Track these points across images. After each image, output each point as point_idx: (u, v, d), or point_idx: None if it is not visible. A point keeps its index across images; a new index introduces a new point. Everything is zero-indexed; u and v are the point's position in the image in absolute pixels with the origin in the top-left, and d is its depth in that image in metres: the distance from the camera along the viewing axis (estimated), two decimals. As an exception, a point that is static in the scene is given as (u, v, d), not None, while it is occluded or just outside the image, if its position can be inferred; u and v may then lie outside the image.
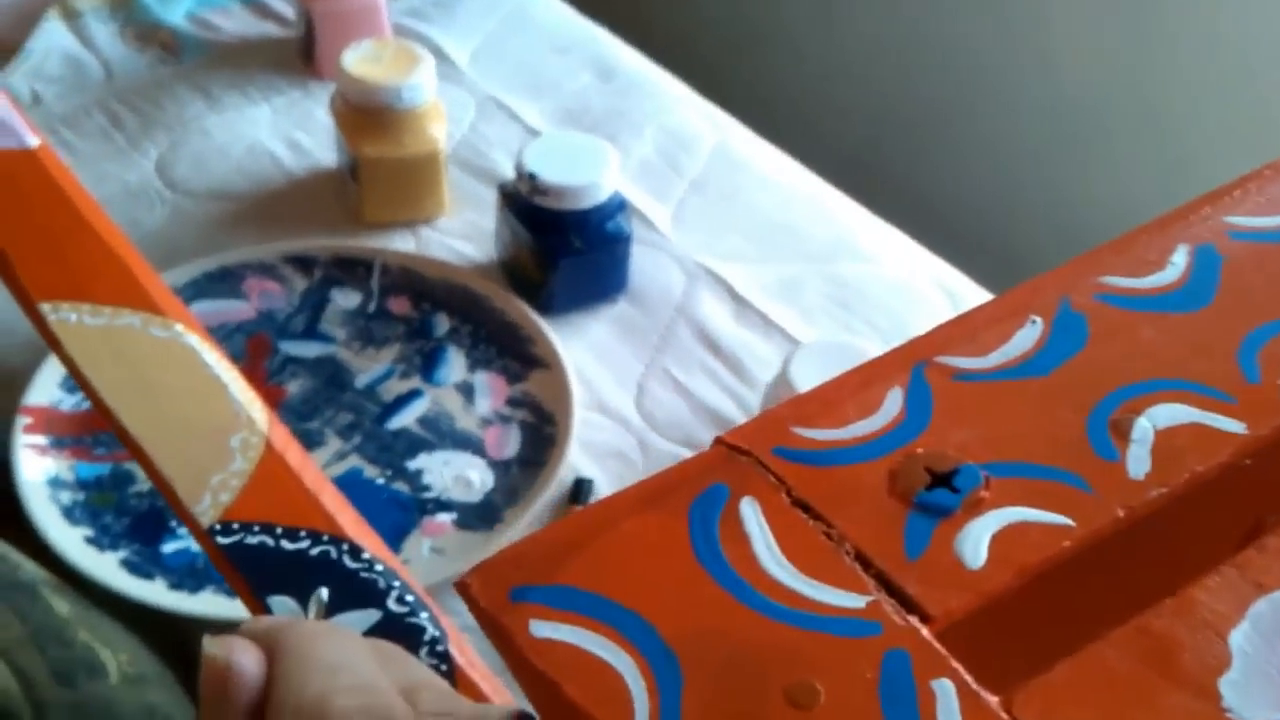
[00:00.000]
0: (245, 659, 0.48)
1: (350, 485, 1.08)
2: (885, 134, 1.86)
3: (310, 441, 1.10)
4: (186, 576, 1.01)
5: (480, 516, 1.07)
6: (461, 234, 1.29)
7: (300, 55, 1.51)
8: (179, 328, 0.75)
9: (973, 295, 1.28)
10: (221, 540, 0.67)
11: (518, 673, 0.41)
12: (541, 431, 1.12)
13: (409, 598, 0.66)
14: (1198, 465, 0.43)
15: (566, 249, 1.21)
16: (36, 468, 1.04)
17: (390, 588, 0.66)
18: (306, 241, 1.24)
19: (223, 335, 1.16)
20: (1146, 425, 0.44)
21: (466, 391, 1.16)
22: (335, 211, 1.30)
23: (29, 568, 0.92)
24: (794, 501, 0.42)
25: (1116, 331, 0.48)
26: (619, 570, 0.41)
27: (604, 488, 1.10)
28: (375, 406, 1.14)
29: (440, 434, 1.12)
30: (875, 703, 0.38)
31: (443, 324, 1.22)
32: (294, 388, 1.13)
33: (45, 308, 0.75)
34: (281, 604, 0.65)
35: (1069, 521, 0.41)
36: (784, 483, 0.43)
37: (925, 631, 0.39)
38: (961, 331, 0.49)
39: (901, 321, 1.25)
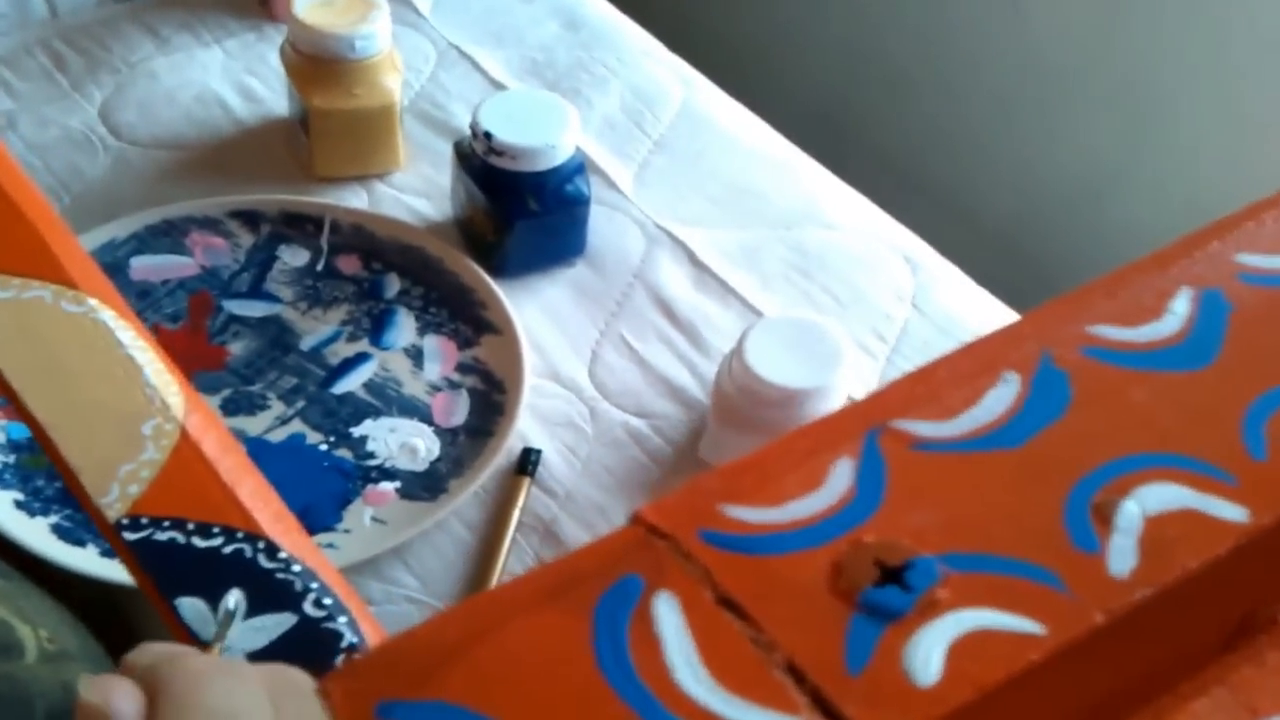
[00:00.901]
0: (124, 705, 0.44)
1: (292, 452, 1.07)
2: (857, 93, 1.83)
3: (253, 405, 1.08)
4: (120, 544, 0.95)
5: (425, 486, 1.05)
6: (417, 190, 1.25)
7: (255, -5, 1.44)
8: (92, 303, 0.71)
9: (935, 266, 1.28)
10: (128, 536, 0.64)
11: None
12: (490, 399, 1.11)
13: (327, 601, 0.63)
14: (1190, 561, 0.37)
15: (522, 211, 1.18)
16: None
17: (308, 590, 0.63)
18: (254, 196, 1.22)
19: (165, 292, 1.13)
20: (1134, 510, 0.39)
21: (415, 356, 1.14)
22: (286, 164, 1.27)
23: None
24: (719, 599, 0.37)
25: (1103, 394, 0.43)
26: (506, 682, 0.36)
27: (552, 457, 1.10)
28: (321, 370, 1.12)
29: (387, 400, 1.10)
30: None
31: (393, 285, 1.19)
32: (237, 348, 1.10)
33: None
34: (191, 606, 0.62)
35: (1039, 628, 0.36)
36: (709, 575, 0.38)
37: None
38: (925, 390, 0.44)
39: (861, 292, 1.24)
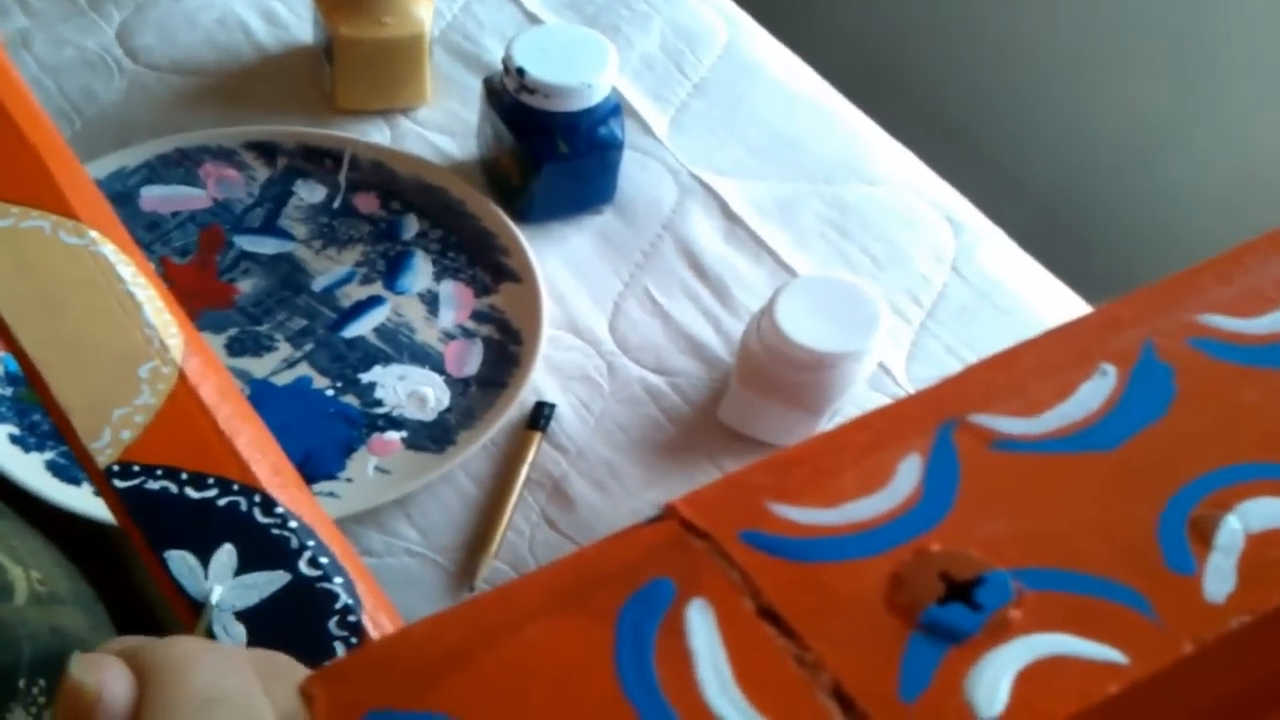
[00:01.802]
0: (117, 685, 0.41)
1: (297, 396, 1.05)
2: (906, 42, 1.78)
3: (259, 346, 1.06)
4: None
5: (432, 437, 1.03)
6: (442, 127, 1.20)
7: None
8: (93, 235, 0.68)
9: (979, 227, 1.24)
10: (119, 484, 0.60)
11: None
12: (506, 350, 1.09)
13: (323, 560, 0.60)
14: None
15: (551, 153, 1.14)
16: None
17: (304, 547, 0.60)
18: (272, 127, 1.20)
19: (174, 225, 1.11)
20: (1236, 527, 0.34)
21: (430, 302, 1.12)
22: (308, 95, 1.24)
23: None
24: (761, 610, 0.33)
25: (1211, 392, 0.38)
26: (513, 696, 0.32)
27: (565, 412, 1.07)
28: (331, 312, 1.10)
29: (398, 346, 1.08)
30: None
31: (412, 227, 1.16)
32: (246, 286, 1.08)
33: None
34: (180, 560, 0.59)
35: (1120, 657, 0.31)
36: (750, 582, 0.33)
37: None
38: (1008, 379, 0.39)
39: (900, 252, 1.21)
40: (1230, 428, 0.36)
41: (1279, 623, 0.32)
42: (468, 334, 1.09)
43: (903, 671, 0.31)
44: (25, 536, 0.88)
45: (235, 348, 1.05)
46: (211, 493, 0.60)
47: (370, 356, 1.06)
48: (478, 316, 1.10)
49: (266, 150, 1.17)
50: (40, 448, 0.96)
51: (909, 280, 1.17)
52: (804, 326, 0.95)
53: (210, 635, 0.57)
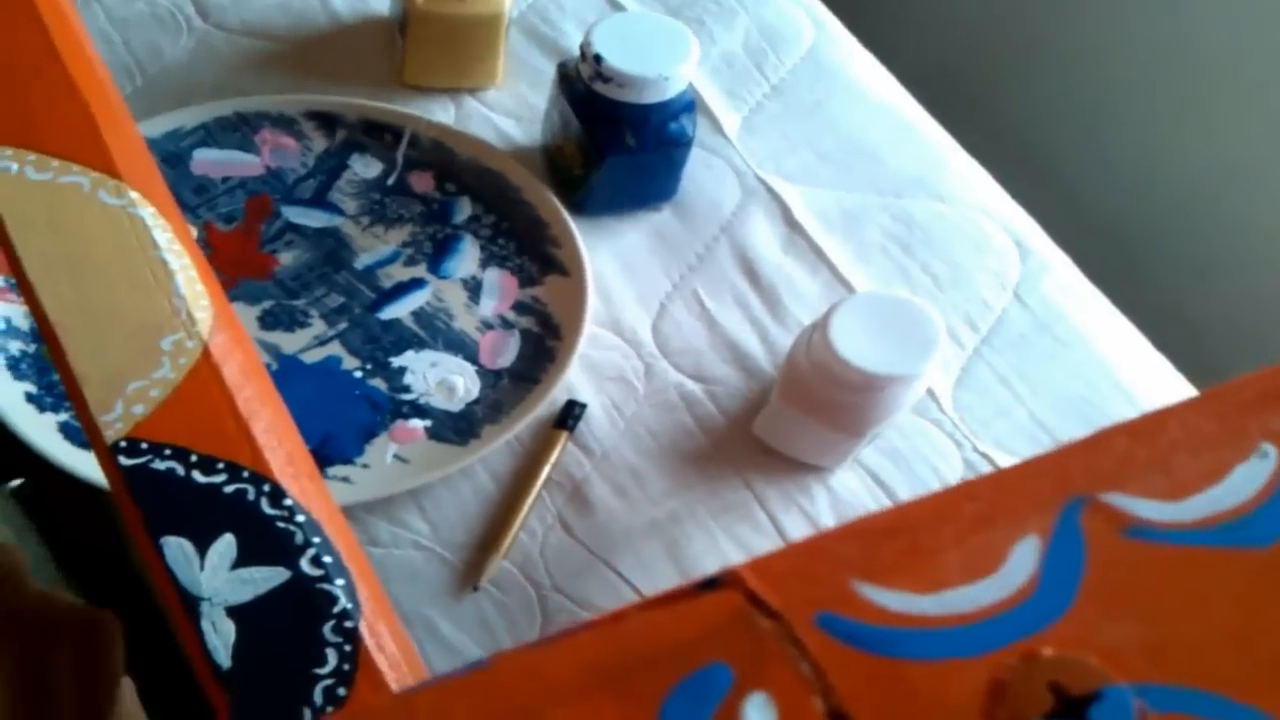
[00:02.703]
0: None
1: (325, 375, 1.04)
2: (989, 57, 1.71)
3: (293, 321, 1.05)
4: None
5: (456, 428, 1.01)
6: (508, 110, 1.19)
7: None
8: (133, 195, 0.66)
9: (1046, 253, 1.20)
10: (124, 461, 0.58)
11: None
12: (543, 344, 1.07)
13: (326, 559, 0.58)
14: None
15: (618, 146, 1.10)
16: None
17: (308, 544, 0.58)
18: (336, 98, 1.18)
19: (223, 190, 1.10)
20: None
21: (473, 289, 1.10)
22: (376, 67, 1.23)
23: None
24: (832, 713, 0.28)
25: None
26: None
27: (596, 412, 1.05)
28: (371, 292, 1.08)
29: (434, 332, 1.07)
30: None
31: (464, 210, 1.14)
32: (288, 259, 1.06)
33: None
34: (177, 546, 0.57)
35: None
36: (823, 678, 0.28)
37: None
38: (1149, 452, 0.34)
39: (962, 274, 1.17)
40: None
41: None
42: (506, 325, 1.06)
43: None
44: None
45: (268, 320, 1.03)
46: (219, 478, 0.58)
47: (404, 340, 1.04)
48: (519, 307, 1.08)
49: (327, 121, 1.16)
50: (56, 409, 0.95)
51: (968, 303, 1.14)
52: (857, 344, 0.92)
53: None
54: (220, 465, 0.58)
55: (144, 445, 0.58)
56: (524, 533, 0.96)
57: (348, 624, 0.56)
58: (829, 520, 1.00)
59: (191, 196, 1.09)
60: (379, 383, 1.02)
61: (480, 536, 0.96)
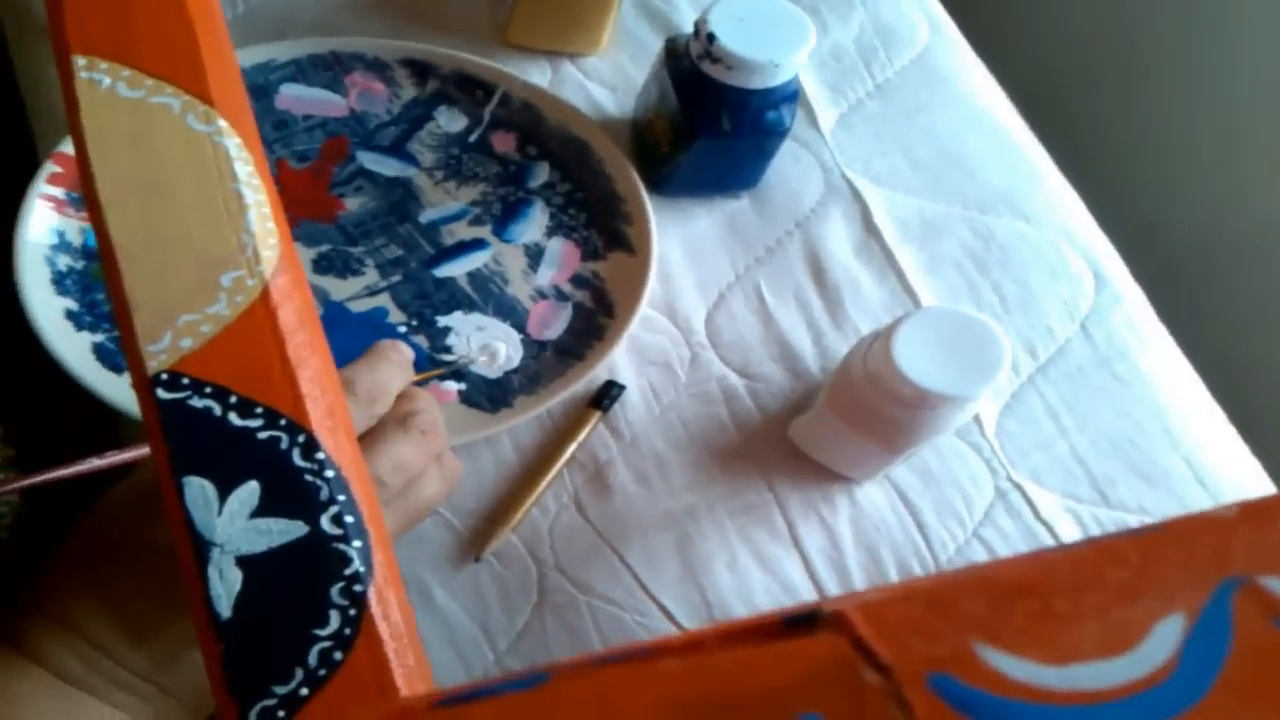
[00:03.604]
0: None
1: (368, 326, 1.03)
2: (1091, 76, 1.65)
3: (346, 268, 1.06)
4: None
5: (490, 395, 1.01)
6: (605, 79, 1.19)
7: None
8: (222, 124, 0.64)
9: (1123, 287, 1.16)
10: (162, 394, 0.57)
11: None
12: (595, 321, 1.05)
13: (348, 519, 0.57)
14: None
15: (712, 128, 1.08)
16: (44, 222, 1.01)
17: (332, 501, 0.57)
18: (434, 48, 1.17)
19: (303, 128, 1.11)
20: None
21: (534, 256, 1.09)
22: (480, 21, 1.23)
23: None
24: None
25: None
26: None
27: (633, 395, 1.04)
28: (430, 248, 1.08)
29: (486, 295, 1.06)
30: None
31: (541, 175, 1.14)
32: (354, 204, 1.07)
33: (79, 61, 0.66)
34: (198, 487, 0.57)
35: None
36: None
37: None
38: None
39: (1032, 297, 1.14)
40: None
41: None
42: (561, 296, 1.06)
43: None
44: None
45: (322, 264, 1.03)
46: (256, 423, 0.57)
47: (454, 300, 1.04)
48: (577, 280, 1.06)
49: (421, 70, 1.15)
50: (93, 329, 0.95)
51: (1032, 329, 1.11)
52: (918, 359, 0.89)
53: None
54: (259, 410, 0.58)
55: (185, 380, 0.58)
56: (536, 509, 0.96)
57: (357, 588, 0.56)
58: (846, 532, 0.98)
59: (270, 131, 1.09)
60: (421, 340, 1.01)
61: (492, 508, 0.96)
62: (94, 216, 0.61)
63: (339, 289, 1.03)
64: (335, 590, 0.56)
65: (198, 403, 0.57)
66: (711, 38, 1.02)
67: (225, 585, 0.55)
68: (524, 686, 0.30)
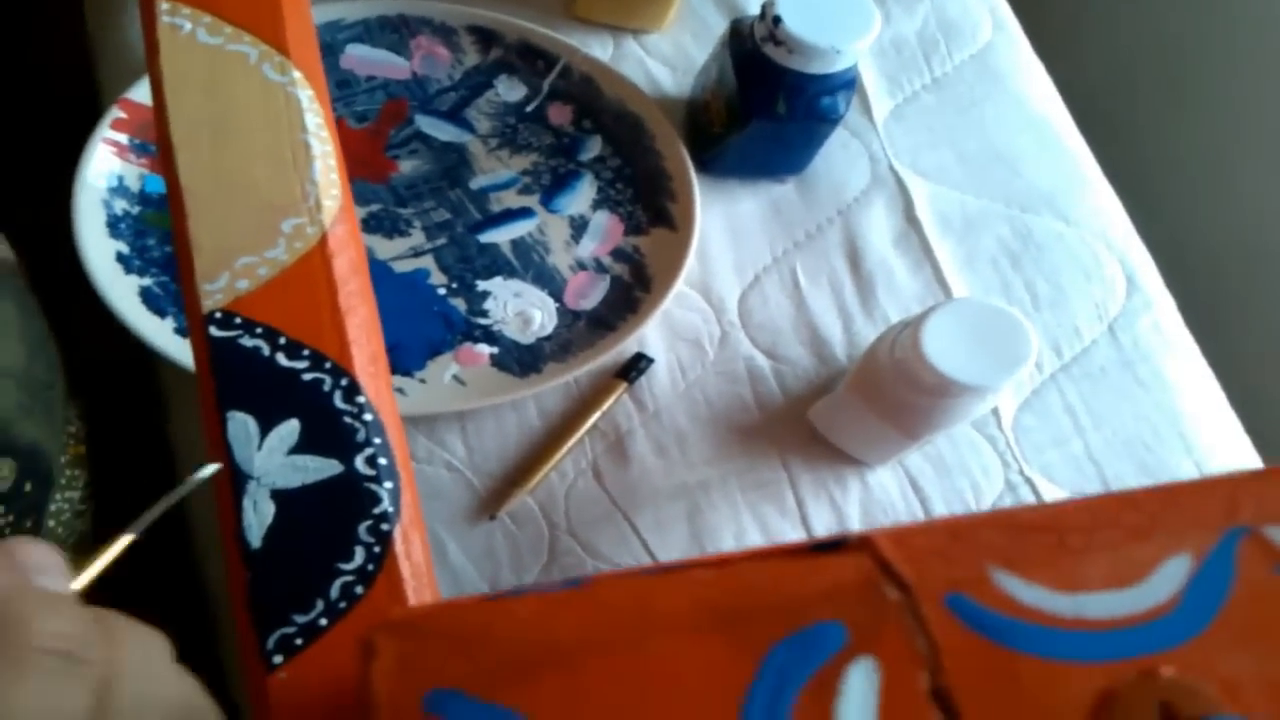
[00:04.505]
0: None
1: (409, 286, 1.06)
2: (1141, 86, 1.63)
3: (394, 228, 1.09)
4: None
5: (520, 360, 1.03)
6: (665, 57, 1.21)
7: None
8: (296, 75, 0.68)
9: (1154, 292, 1.17)
10: (214, 332, 0.61)
11: None
12: (630, 294, 1.08)
13: (381, 461, 0.61)
14: None
15: (767, 111, 1.09)
16: (104, 166, 1.04)
17: (369, 443, 0.60)
18: (501, 16, 1.19)
19: (364, 89, 1.14)
20: None
21: (578, 227, 1.12)
22: None
23: None
24: (935, 691, 0.28)
25: None
26: (610, 714, 0.27)
27: (659, 369, 1.06)
28: (478, 213, 1.11)
29: (527, 263, 1.09)
30: None
31: (593, 148, 1.16)
32: (407, 167, 1.11)
33: (163, 5, 0.71)
34: (241, 422, 0.60)
35: None
36: (936, 657, 0.28)
37: None
38: None
39: (1062, 297, 1.16)
40: None
41: None
42: (600, 268, 1.08)
43: None
44: (9, 309, 0.89)
45: (371, 224, 1.06)
46: (302, 365, 0.60)
47: (495, 266, 1.06)
48: (617, 254, 1.09)
49: (485, 37, 1.17)
50: (142, 272, 0.98)
51: (1059, 328, 1.12)
52: (944, 347, 0.90)
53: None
54: (306, 352, 0.61)
55: (237, 320, 0.61)
56: (555, 473, 0.99)
57: (384, 526, 0.59)
58: (854, 514, 1.00)
59: (332, 89, 1.12)
60: (459, 302, 1.04)
61: (512, 469, 0.99)
62: (164, 157, 0.64)
63: (384, 248, 1.06)
64: (363, 528, 0.59)
65: (248, 342, 0.60)
66: (777, 20, 1.04)
67: (258, 517, 0.58)
68: (563, 588, 0.32)
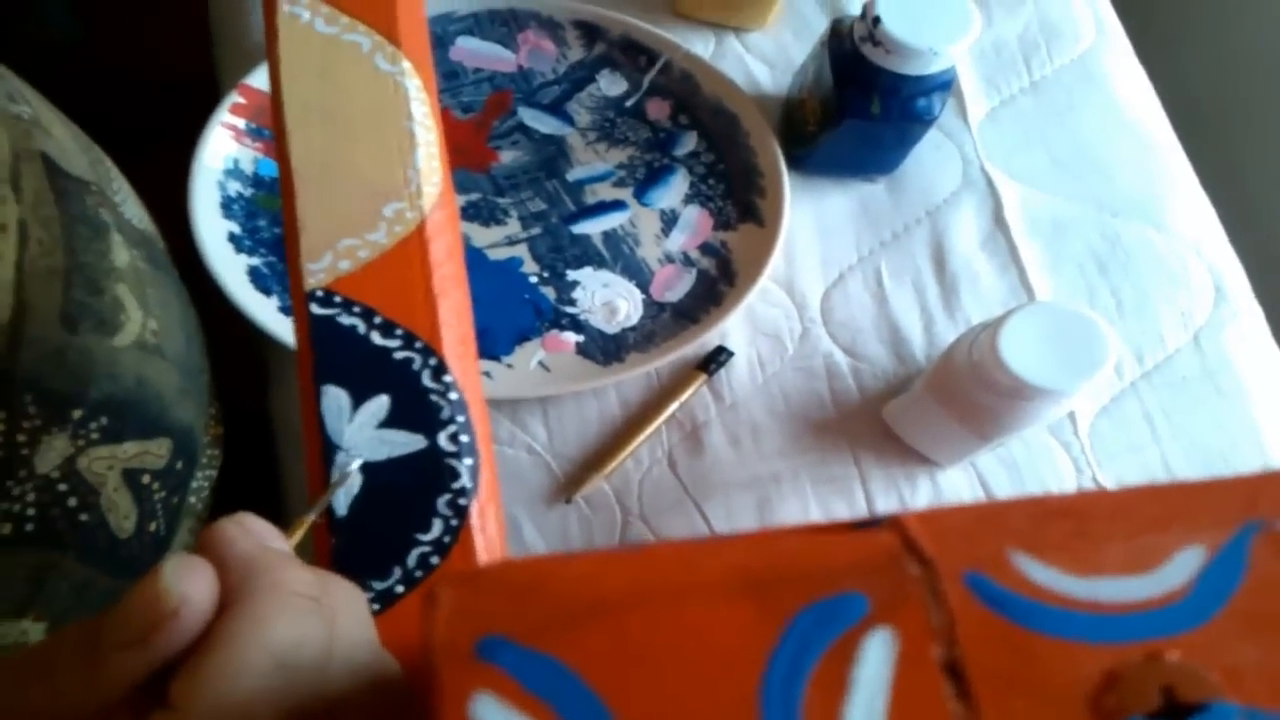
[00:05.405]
0: (195, 607, 0.41)
1: (503, 274, 1.09)
2: (1242, 91, 1.61)
3: (491, 217, 1.12)
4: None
5: (604, 349, 1.06)
6: (765, 55, 1.23)
7: None
8: (406, 65, 0.71)
9: (1242, 304, 1.17)
10: (316, 309, 0.64)
11: None
12: (715, 288, 1.10)
13: (464, 438, 0.63)
14: None
15: (861, 110, 1.10)
16: (220, 149, 1.08)
17: (452, 420, 0.63)
18: (606, 11, 1.21)
19: (471, 80, 1.19)
20: None
21: (669, 221, 1.14)
22: None
23: (118, 213, 0.92)
24: (947, 663, 0.29)
25: None
26: (642, 667, 0.29)
27: (739, 363, 1.08)
28: (573, 205, 1.14)
29: (617, 255, 1.12)
30: None
31: (688, 144, 1.19)
32: (508, 157, 1.14)
33: None
34: (334, 396, 0.63)
35: None
36: (951, 631, 0.30)
37: None
38: None
39: (1148, 304, 1.16)
40: None
41: None
42: (688, 262, 1.11)
43: None
44: (164, 287, 0.93)
45: (469, 212, 1.10)
46: (395, 343, 0.64)
47: (586, 256, 1.09)
48: (705, 248, 1.11)
49: (590, 31, 1.20)
50: (252, 252, 1.03)
51: (1143, 336, 1.13)
52: (1021, 349, 0.91)
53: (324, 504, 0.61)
54: (399, 331, 0.64)
55: (337, 299, 0.64)
56: (631, 460, 1.02)
57: (462, 501, 0.62)
58: (922, 514, 1.02)
59: (440, 80, 1.16)
60: (549, 291, 1.07)
61: (591, 455, 1.02)
62: (278, 140, 0.68)
63: (481, 236, 1.09)
64: (442, 501, 0.62)
65: (345, 320, 0.64)
66: (877, 21, 1.04)
67: (346, 487, 0.62)
68: (614, 549, 0.34)
